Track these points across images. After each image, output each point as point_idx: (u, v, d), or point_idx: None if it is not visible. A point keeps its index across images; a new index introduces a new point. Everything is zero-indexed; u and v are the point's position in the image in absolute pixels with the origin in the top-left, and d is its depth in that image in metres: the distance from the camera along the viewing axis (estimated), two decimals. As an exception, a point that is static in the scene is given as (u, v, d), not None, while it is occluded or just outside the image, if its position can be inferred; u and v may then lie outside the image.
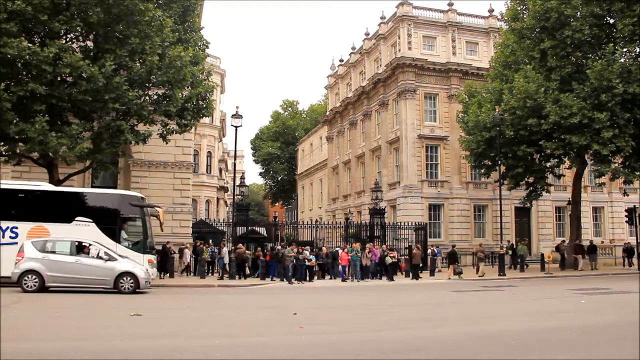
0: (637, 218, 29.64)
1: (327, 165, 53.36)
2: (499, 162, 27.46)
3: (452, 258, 24.84)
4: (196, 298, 15.54)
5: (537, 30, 26.47)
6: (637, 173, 26.59)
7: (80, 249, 15.61)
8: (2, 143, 20.29)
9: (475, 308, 12.32)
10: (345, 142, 48.00)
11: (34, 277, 14.74)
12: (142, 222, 18.38)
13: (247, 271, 23.89)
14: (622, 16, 23.84)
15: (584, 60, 25.36)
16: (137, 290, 15.23)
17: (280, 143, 70.88)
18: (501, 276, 23.97)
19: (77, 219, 17.44)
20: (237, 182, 28.68)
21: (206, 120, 39.64)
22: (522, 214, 36.69)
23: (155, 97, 21.28)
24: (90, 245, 15.88)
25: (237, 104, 71.13)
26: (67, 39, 20.04)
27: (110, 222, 17.74)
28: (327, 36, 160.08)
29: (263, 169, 74.13)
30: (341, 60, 50.74)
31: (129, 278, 15.21)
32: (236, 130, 26.41)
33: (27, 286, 14.66)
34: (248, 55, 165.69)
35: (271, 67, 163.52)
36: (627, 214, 31.02)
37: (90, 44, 20.60)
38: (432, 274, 25.79)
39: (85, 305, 12.88)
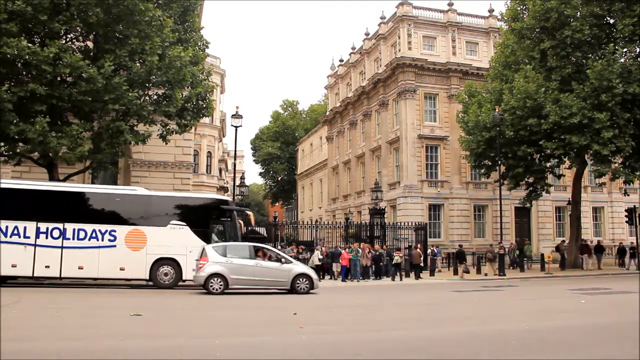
0: (637, 218, 29.65)
1: (327, 165, 53.36)
2: (499, 162, 27.46)
3: (461, 257, 25.03)
4: (196, 298, 15.53)
5: (537, 30, 26.48)
6: (637, 173, 26.60)
7: (256, 252, 16.68)
8: (2, 143, 20.30)
9: (475, 308, 12.32)
10: (345, 142, 48.00)
11: (219, 280, 15.45)
12: (232, 225, 18.70)
13: None
14: (622, 16, 23.85)
15: (584, 60, 25.36)
16: (311, 291, 16.07)
17: (280, 143, 70.87)
18: (501, 276, 23.99)
19: (171, 222, 17.88)
20: (237, 182, 28.70)
21: (206, 120, 39.61)
22: (522, 214, 36.70)
23: (155, 97, 21.28)
24: (265, 249, 17.40)
25: (237, 104, 71.14)
26: (67, 39, 20.05)
27: (202, 225, 18.13)
28: (327, 36, 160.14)
29: (263, 169, 74.13)
30: (341, 60, 50.74)
31: (304, 279, 16.17)
32: (236, 130, 26.42)
33: (213, 288, 15.35)
34: (248, 55, 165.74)
35: (271, 67, 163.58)
36: (627, 214, 31.02)
37: (90, 44, 20.60)
38: (432, 274, 25.80)
39: (86, 305, 12.89)
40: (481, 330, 8.23)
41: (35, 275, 16.83)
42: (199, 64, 22.33)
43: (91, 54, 20.04)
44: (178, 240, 17.37)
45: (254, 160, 75.05)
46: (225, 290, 15.24)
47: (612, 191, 39.20)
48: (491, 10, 38.71)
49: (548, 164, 29.09)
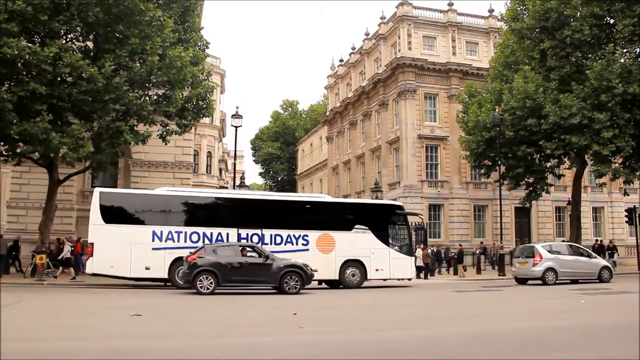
0: (637, 218, 29.65)
1: (327, 165, 53.37)
2: (499, 162, 27.47)
3: (460, 258, 25.16)
4: (196, 298, 15.53)
5: (537, 30, 26.48)
6: (637, 173, 26.59)
7: (574, 250, 20.07)
8: (2, 143, 20.30)
9: (475, 308, 12.32)
10: (345, 142, 48.00)
11: (552, 273, 18.94)
12: (407, 228, 20.21)
13: None
14: (622, 16, 23.84)
15: (583, 61, 25.36)
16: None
17: (280, 143, 70.87)
18: (501, 276, 23.99)
19: (356, 227, 19.07)
20: (237, 182, 28.70)
21: (206, 120, 39.61)
22: (522, 214, 36.71)
23: (155, 97, 21.29)
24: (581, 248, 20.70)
25: (237, 104, 71.10)
26: (67, 39, 20.07)
27: (381, 228, 19.41)
28: (327, 36, 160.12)
29: (263, 169, 74.14)
30: (341, 61, 50.74)
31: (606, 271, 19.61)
32: (236, 130, 26.44)
33: (549, 280, 18.76)
34: (248, 55, 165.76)
35: (271, 67, 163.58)
36: (627, 214, 31.01)
37: (90, 44, 20.62)
38: (432, 274, 25.80)
39: (86, 305, 12.89)
40: (481, 330, 8.23)
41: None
42: (199, 64, 22.34)
43: (91, 54, 20.04)
44: (362, 243, 18.71)
45: (254, 160, 75.12)
46: (557, 281, 18.77)
47: (612, 191, 39.20)
48: (491, 11, 38.72)
49: (548, 164, 29.09)
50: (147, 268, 17.21)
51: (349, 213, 19.99)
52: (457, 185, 35.83)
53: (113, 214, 17.59)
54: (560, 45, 25.19)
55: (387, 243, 19.20)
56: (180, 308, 12.16)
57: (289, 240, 18.36)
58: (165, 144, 22.99)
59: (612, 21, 25.22)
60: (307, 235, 18.57)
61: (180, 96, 20.87)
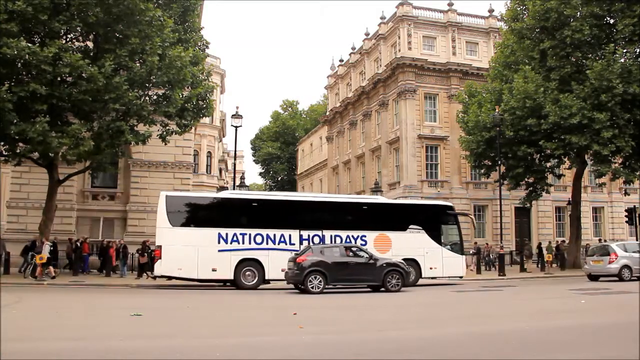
0: (637, 218, 29.67)
1: (327, 165, 53.36)
2: (499, 162, 27.46)
3: None
4: (196, 298, 15.54)
5: (537, 30, 26.49)
6: (637, 173, 26.59)
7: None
8: (2, 143, 20.31)
9: (475, 308, 12.32)
10: (345, 142, 48.00)
11: (628, 270, 19.53)
12: (458, 228, 20.84)
13: None
14: (622, 16, 23.84)
15: (583, 61, 25.37)
16: None
17: (280, 143, 70.86)
18: (501, 276, 23.97)
19: (410, 227, 19.72)
20: (237, 182, 28.70)
21: (206, 120, 39.61)
22: (522, 214, 36.70)
23: (155, 97, 21.29)
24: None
25: (237, 104, 71.11)
26: (67, 39, 20.07)
27: (434, 228, 20.11)
28: (327, 36, 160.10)
29: (263, 169, 74.13)
30: (341, 61, 50.73)
31: None
32: (236, 130, 26.43)
33: (625, 276, 19.38)
34: (248, 55, 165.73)
35: (271, 67, 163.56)
36: (627, 214, 31.03)
37: (90, 44, 20.63)
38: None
39: (87, 305, 12.89)
40: (481, 330, 8.23)
41: None
42: (199, 64, 22.34)
43: (91, 53, 20.05)
44: (417, 243, 19.27)
45: (254, 160, 75.11)
46: (631, 278, 19.21)
47: (612, 191, 39.20)
48: (491, 11, 38.72)
49: (548, 164, 29.10)
50: (213, 270, 17.66)
51: (404, 214, 20.58)
52: (457, 185, 35.82)
53: (179, 217, 18.00)
54: (560, 45, 25.19)
55: (439, 242, 19.91)
56: (184, 308, 12.16)
57: (348, 240, 18.76)
58: (165, 144, 22.98)
59: (612, 21, 25.24)
60: (365, 236, 19.05)
61: (180, 96, 20.87)
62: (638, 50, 25.62)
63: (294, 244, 18.42)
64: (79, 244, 23.70)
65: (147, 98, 21.14)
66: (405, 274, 16.63)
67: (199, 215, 18.60)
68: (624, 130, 24.15)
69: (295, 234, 18.50)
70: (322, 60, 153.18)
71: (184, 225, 18.00)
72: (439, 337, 7.68)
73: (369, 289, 16.70)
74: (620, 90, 23.04)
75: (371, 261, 16.25)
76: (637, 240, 29.20)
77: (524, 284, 20.38)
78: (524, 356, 6.27)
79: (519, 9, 27.99)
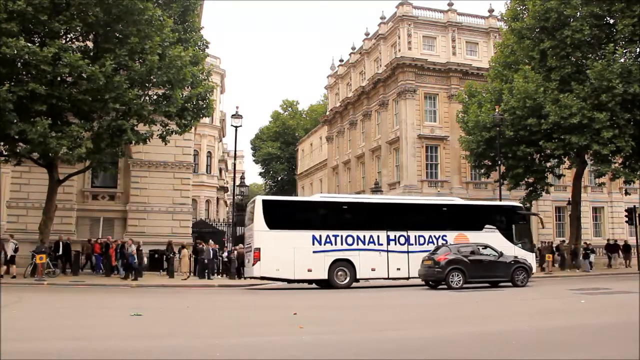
0: (637, 218, 29.66)
1: (327, 165, 53.35)
2: (499, 162, 27.46)
3: None
4: (196, 298, 15.54)
5: (537, 30, 26.49)
6: (637, 173, 26.59)
7: None
8: (2, 143, 20.31)
9: (475, 308, 12.32)
10: (345, 142, 47.99)
11: None
12: (528, 227, 22.13)
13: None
14: (622, 16, 23.84)
15: (583, 61, 25.36)
16: None
17: (280, 143, 70.85)
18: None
19: (485, 227, 20.61)
20: (237, 182, 28.72)
21: (206, 120, 39.64)
22: (522, 214, 36.62)
23: (155, 97, 21.29)
24: None
25: (237, 104, 71.12)
26: (67, 39, 20.06)
27: (506, 227, 21.06)
28: (327, 36, 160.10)
29: (263, 169, 74.13)
30: (341, 61, 50.72)
31: None
32: (236, 130, 26.44)
33: None
34: (248, 55, 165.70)
35: (271, 67, 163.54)
36: (627, 214, 31.02)
37: (90, 44, 20.62)
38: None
39: (87, 305, 12.89)
40: (481, 330, 8.22)
41: (390, 276, 19.31)
42: (199, 64, 22.35)
43: (91, 53, 20.05)
44: (491, 242, 19.23)
45: (254, 160, 75.11)
46: None
47: (612, 191, 39.19)
48: (491, 10, 38.72)
49: (548, 164, 29.09)
50: (309, 270, 18.39)
51: (480, 214, 21.53)
52: (457, 185, 35.81)
53: (275, 221, 18.54)
54: (560, 46, 25.19)
55: (511, 241, 20.72)
56: (184, 308, 12.16)
57: (430, 240, 19.66)
58: (165, 144, 22.98)
59: (612, 21, 25.23)
60: (445, 236, 19.86)
61: (181, 96, 20.87)
62: (638, 50, 25.62)
63: (382, 245, 19.22)
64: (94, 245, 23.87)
65: (147, 98, 21.14)
66: (530, 270, 18.04)
67: (293, 218, 19.17)
68: (624, 130, 24.15)
69: (383, 234, 19.29)
70: (322, 60, 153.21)
71: (280, 228, 18.44)
72: (439, 337, 7.68)
73: (487, 285, 17.75)
74: (620, 90, 23.04)
75: (500, 258, 17.47)
76: (637, 240, 29.25)
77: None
78: (524, 356, 6.26)
79: (519, 9, 27.98)
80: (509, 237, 20.76)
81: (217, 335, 7.90)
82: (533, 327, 8.32)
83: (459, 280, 16.68)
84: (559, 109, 23.98)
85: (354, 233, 18.97)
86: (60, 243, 22.98)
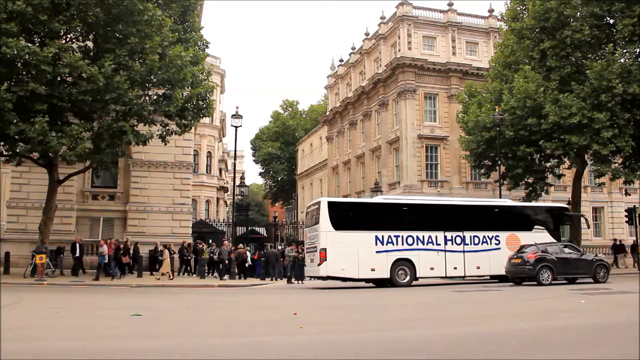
0: (637, 218, 29.67)
1: (327, 165, 53.35)
2: (499, 162, 27.44)
3: None
4: (196, 298, 15.54)
5: (536, 30, 26.47)
6: (637, 173, 26.57)
7: None
8: (2, 143, 20.30)
9: (475, 308, 12.32)
10: (345, 142, 47.99)
11: None
12: (573, 227, 23.09)
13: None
14: (622, 16, 23.83)
15: (583, 61, 25.34)
16: None
17: (280, 143, 70.83)
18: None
19: (535, 227, 21.31)
20: (237, 182, 28.70)
21: (206, 120, 39.64)
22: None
23: (155, 97, 21.28)
24: None
25: (237, 104, 71.14)
26: (67, 39, 20.05)
27: (554, 228, 21.75)
28: (327, 36, 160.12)
29: (263, 169, 74.10)
30: (341, 61, 50.72)
31: None
32: (236, 130, 26.43)
33: None
34: (248, 55, 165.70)
35: (271, 67, 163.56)
36: (627, 214, 31.03)
37: (90, 44, 20.61)
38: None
39: (87, 305, 12.89)
40: (481, 330, 8.22)
41: (447, 275, 20.00)
42: (199, 64, 22.34)
43: (91, 53, 20.04)
44: (540, 241, 19.90)
45: (254, 160, 75.07)
46: None
47: (612, 191, 39.19)
48: (491, 11, 38.71)
49: (548, 164, 29.07)
50: (372, 269, 18.84)
51: (529, 215, 22.10)
52: (457, 185, 35.81)
53: (340, 222, 18.89)
54: (560, 46, 25.18)
55: (559, 240, 21.32)
56: (184, 308, 12.15)
57: (484, 240, 20.38)
58: (165, 144, 22.98)
59: (612, 21, 25.21)
60: (498, 236, 20.59)
61: (181, 96, 20.86)
62: (638, 50, 25.59)
63: (439, 245, 19.76)
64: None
65: (147, 98, 21.13)
66: (609, 267, 18.89)
67: (357, 219, 19.57)
68: (624, 130, 24.14)
69: (440, 235, 19.83)
70: (322, 60, 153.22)
71: (344, 228, 18.79)
72: (439, 337, 7.68)
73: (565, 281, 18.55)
74: (620, 90, 23.03)
75: (583, 257, 18.53)
76: (637, 239, 29.28)
77: (523, 284, 20.36)
78: (524, 356, 6.26)
79: (518, 9, 27.96)
80: (556, 237, 21.38)
81: (217, 335, 7.90)
82: (533, 327, 8.32)
83: (548, 277, 17.79)
84: (558, 109, 23.97)
85: (414, 233, 19.52)
86: (129, 245, 23.16)
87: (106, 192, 27.44)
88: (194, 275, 24.56)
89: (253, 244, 28.92)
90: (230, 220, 29.71)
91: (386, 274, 18.96)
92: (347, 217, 19.40)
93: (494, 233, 20.55)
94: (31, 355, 6.21)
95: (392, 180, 37.39)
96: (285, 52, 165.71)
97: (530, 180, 29.03)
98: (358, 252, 18.50)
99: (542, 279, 17.77)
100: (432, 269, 19.46)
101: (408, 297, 15.55)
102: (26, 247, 23.10)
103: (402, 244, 19.26)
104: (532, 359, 6.19)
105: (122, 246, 22.99)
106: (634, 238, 35.15)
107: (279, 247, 26.59)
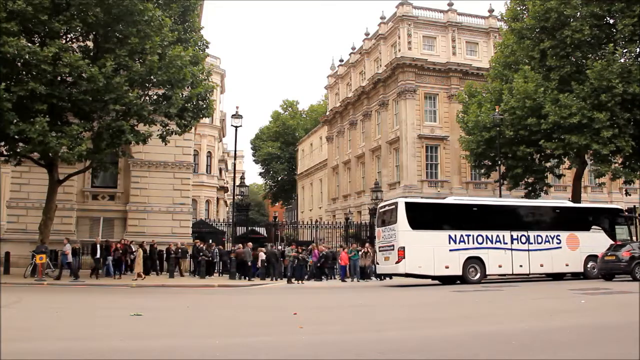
0: (637, 218, 29.61)
1: (327, 165, 53.37)
2: (499, 162, 27.44)
3: None
4: (196, 298, 15.54)
5: (537, 30, 26.49)
6: (637, 173, 26.57)
7: None
8: (2, 143, 20.30)
9: (475, 308, 12.31)
10: (345, 142, 48.01)
11: None
12: (628, 228, 23.67)
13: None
14: (622, 16, 23.84)
15: (583, 61, 25.37)
16: None
17: (280, 143, 70.84)
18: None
19: (592, 227, 22.23)
20: (237, 182, 28.71)
21: (206, 120, 39.62)
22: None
23: (155, 97, 21.28)
24: None
25: (237, 104, 71.19)
26: (67, 39, 20.05)
27: (609, 228, 22.62)
28: (327, 36, 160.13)
29: (263, 169, 74.10)
30: (341, 61, 50.74)
31: None
32: (236, 130, 26.42)
33: None
34: (248, 55, 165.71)
35: (271, 67, 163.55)
36: (627, 213, 30.97)
37: (90, 44, 20.61)
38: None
39: (87, 305, 12.89)
40: (481, 330, 8.22)
41: (514, 273, 20.70)
42: (199, 64, 22.33)
43: (91, 53, 20.04)
44: (598, 241, 21.33)
45: (254, 160, 75.08)
46: None
47: (612, 191, 39.18)
48: (491, 11, 38.73)
49: (548, 164, 29.08)
50: (446, 267, 19.60)
51: (587, 216, 23.01)
52: (457, 185, 35.81)
53: (416, 221, 19.60)
54: (560, 45, 25.19)
55: (614, 240, 21.81)
56: (184, 308, 12.15)
57: (547, 240, 21.09)
58: (165, 144, 22.98)
59: (612, 21, 25.23)
60: (559, 235, 21.31)
61: (181, 96, 20.86)
62: (638, 50, 25.61)
63: (506, 244, 20.46)
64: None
65: (147, 98, 21.13)
66: None
67: (432, 218, 20.27)
68: (624, 130, 24.15)
69: (507, 234, 20.57)
70: (322, 60, 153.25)
71: (420, 228, 19.46)
72: (439, 336, 7.67)
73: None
74: (620, 90, 23.04)
75: None
76: (637, 240, 29.22)
77: (524, 284, 20.38)
78: (524, 356, 6.26)
79: (519, 9, 27.98)
80: (612, 237, 22.03)
81: (217, 335, 7.89)
82: (533, 327, 8.32)
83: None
84: (558, 109, 23.98)
85: (484, 233, 20.23)
86: (148, 246, 23.26)
87: (106, 192, 27.43)
88: (222, 275, 24.63)
89: (253, 244, 28.89)
90: (230, 220, 29.70)
91: (459, 272, 19.70)
92: (422, 217, 20.08)
93: (556, 232, 21.25)
94: (31, 355, 6.21)
95: (392, 180, 37.39)
96: (285, 52, 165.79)
97: (530, 180, 29.04)
98: (433, 251, 19.26)
99: (638, 275, 18.95)
100: (500, 266, 20.25)
101: (408, 297, 15.55)
102: (26, 247, 23.09)
103: (473, 243, 20.01)
104: (532, 359, 6.18)
105: (114, 246, 23.10)
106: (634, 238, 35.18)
107: (279, 247, 26.55)
